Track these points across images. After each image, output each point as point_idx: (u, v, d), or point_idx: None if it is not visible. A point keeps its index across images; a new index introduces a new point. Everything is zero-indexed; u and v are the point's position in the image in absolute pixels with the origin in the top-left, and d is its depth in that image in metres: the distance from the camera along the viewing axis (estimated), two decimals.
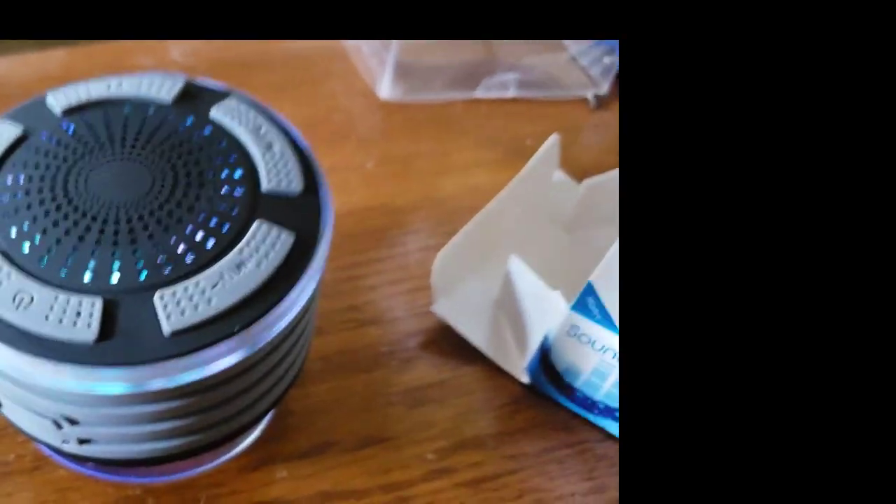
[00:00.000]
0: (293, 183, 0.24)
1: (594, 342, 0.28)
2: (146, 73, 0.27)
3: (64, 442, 0.24)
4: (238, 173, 0.24)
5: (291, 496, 0.27)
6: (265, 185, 0.24)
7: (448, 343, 0.32)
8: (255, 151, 0.25)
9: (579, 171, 0.38)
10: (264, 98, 0.42)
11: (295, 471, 0.28)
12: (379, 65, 0.43)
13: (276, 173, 0.24)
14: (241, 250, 0.22)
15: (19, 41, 0.45)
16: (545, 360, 0.29)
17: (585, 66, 0.45)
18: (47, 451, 0.27)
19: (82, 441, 0.23)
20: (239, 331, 0.21)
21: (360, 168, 0.39)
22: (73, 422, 0.23)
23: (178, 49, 0.44)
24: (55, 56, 0.43)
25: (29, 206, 0.23)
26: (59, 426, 0.23)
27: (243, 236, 0.22)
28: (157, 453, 0.24)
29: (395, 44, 0.41)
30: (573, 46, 0.46)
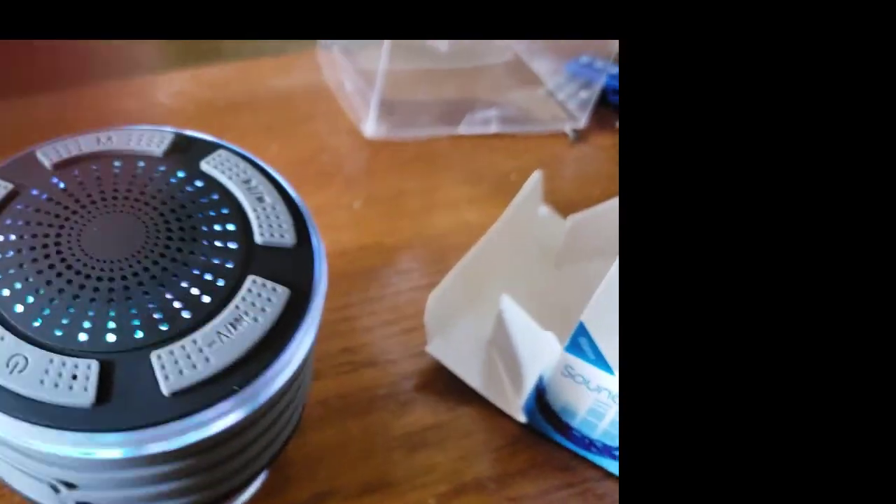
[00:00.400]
0: (286, 235, 0.24)
1: (589, 382, 0.28)
2: (135, 127, 0.27)
3: None
4: (231, 226, 0.24)
5: None
6: (258, 238, 0.24)
7: (444, 383, 0.32)
8: (246, 204, 0.25)
9: (563, 204, 0.39)
10: (252, 139, 0.43)
11: None
12: (363, 103, 0.43)
13: (269, 226, 0.24)
14: (236, 306, 0.22)
15: (3, 90, 0.45)
16: (541, 400, 0.29)
17: (562, 100, 0.46)
18: None
19: None
20: (239, 390, 0.21)
21: (348, 207, 0.39)
22: (70, 486, 0.22)
23: (163, 91, 0.44)
24: (42, 101, 0.43)
25: (21, 265, 0.23)
26: (56, 490, 0.22)
27: (238, 291, 0.22)
28: None
29: (378, 81, 0.41)
30: (549, 81, 0.47)
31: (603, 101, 0.45)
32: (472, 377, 0.31)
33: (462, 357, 0.32)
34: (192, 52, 0.49)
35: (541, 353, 0.29)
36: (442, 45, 0.45)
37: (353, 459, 0.30)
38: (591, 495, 0.29)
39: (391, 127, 0.43)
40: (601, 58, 0.45)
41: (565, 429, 0.30)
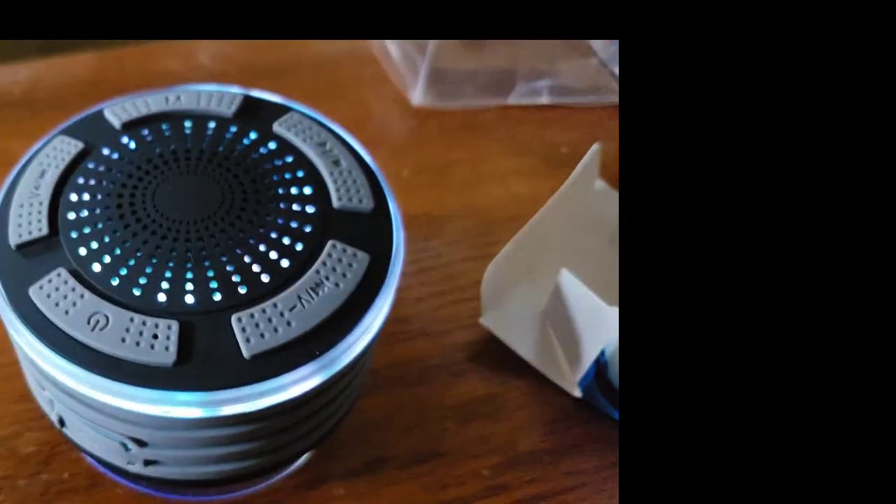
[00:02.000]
0: (364, 200, 0.24)
1: None
2: (203, 86, 0.27)
3: (129, 463, 0.23)
4: (308, 190, 0.24)
5: None
6: (336, 202, 0.24)
7: (496, 356, 0.32)
8: (322, 168, 0.24)
9: (616, 179, 0.38)
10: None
11: (352, 488, 0.28)
12: (410, 71, 0.43)
13: (346, 190, 0.24)
14: (317, 271, 0.22)
15: (45, 46, 0.44)
16: (601, 376, 0.29)
17: (616, 71, 0.45)
18: (102, 470, 0.27)
19: (148, 462, 0.23)
20: (320, 355, 0.21)
21: (397, 176, 0.39)
22: (141, 444, 0.22)
23: (206, 53, 0.44)
24: (83, 60, 0.42)
25: (96, 224, 0.22)
26: (126, 448, 0.22)
27: (318, 256, 0.22)
28: (223, 475, 0.24)
29: (429, 50, 0.41)
30: (602, 52, 0.46)
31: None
32: (526, 350, 0.31)
33: (516, 329, 0.32)
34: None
35: (601, 327, 0.29)
36: None
37: (405, 428, 0.30)
38: None
39: (439, 96, 0.42)
40: None
41: None
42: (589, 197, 0.36)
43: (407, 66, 0.43)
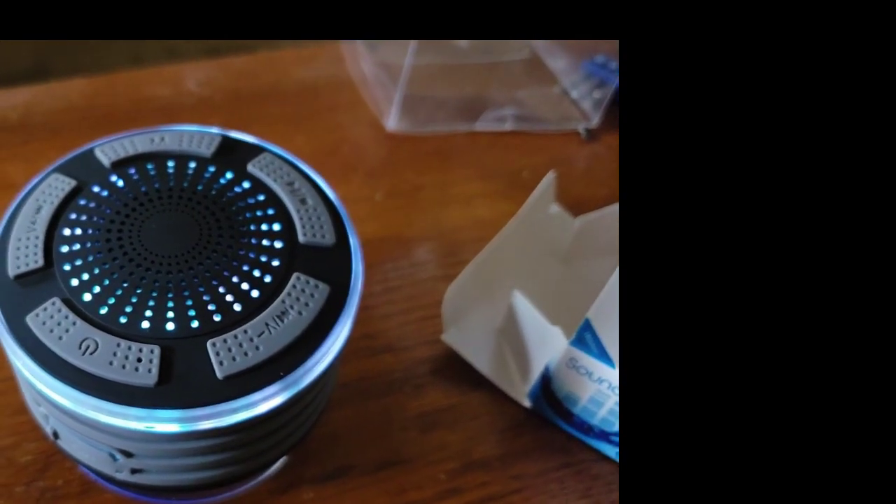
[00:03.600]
0: (326, 235, 0.27)
1: (591, 374, 0.31)
2: (185, 127, 0.29)
3: (117, 472, 0.26)
4: (277, 226, 0.26)
5: None
6: (301, 237, 0.26)
7: (456, 369, 0.35)
8: (290, 205, 0.27)
9: (573, 202, 0.41)
10: (279, 130, 0.45)
11: (320, 492, 0.30)
12: (385, 97, 0.45)
13: (311, 227, 0.27)
14: (283, 300, 0.25)
15: (42, 72, 0.47)
16: (546, 388, 0.32)
17: (576, 99, 0.48)
18: (93, 477, 0.30)
19: (134, 471, 0.26)
20: (284, 376, 0.24)
21: (370, 199, 0.42)
22: (128, 455, 0.25)
23: (193, 79, 0.46)
24: (77, 85, 0.45)
25: (88, 258, 0.25)
26: (114, 458, 0.25)
27: (284, 287, 0.25)
28: (201, 482, 0.26)
29: (402, 77, 0.43)
30: (564, 80, 0.49)
31: (616, 101, 0.48)
32: (483, 364, 0.34)
33: (474, 345, 0.35)
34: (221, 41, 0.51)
35: (548, 345, 0.32)
36: (462, 41, 0.47)
37: (371, 437, 0.33)
38: (587, 475, 0.32)
39: (412, 122, 0.45)
40: (616, 58, 0.48)
41: (567, 415, 0.32)
42: (544, 221, 0.39)
43: (382, 92, 0.46)
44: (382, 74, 0.46)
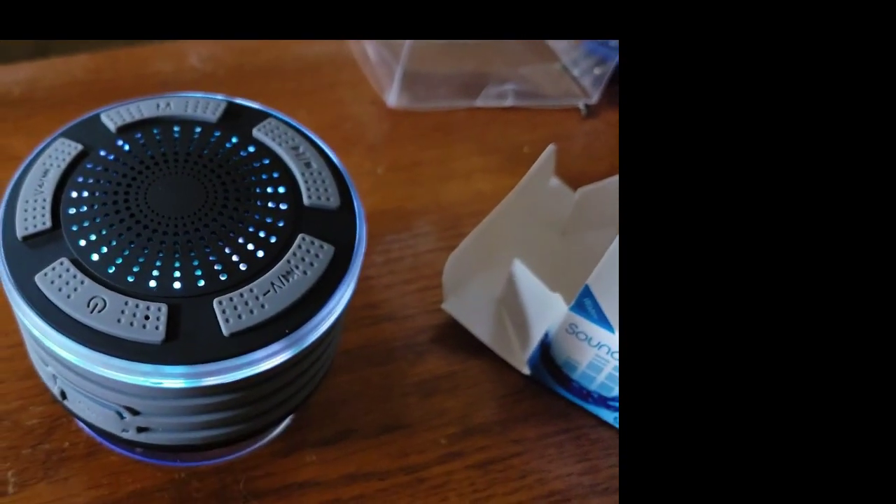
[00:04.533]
0: (331, 198, 0.27)
1: (590, 339, 0.31)
2: (190, 94, 0.29)
3: (123, 430, 0.26)
4: (281, 189, 0.27)
5: (321, 478, 0.30)
6: (306, 200, 0.27)
7: (456, 338, 0.35)
8: (295, 169, 0.27)
9: (572, 177, 0.41)
10: (281, 105, 0.45)
11: (322, 455, 0.31)
12: (386, 74, 0.46)
13: (316, 189, 0.27)
14: (288, 260, 0.25)
15: (43, 47, 0.47)
16: (546, 354, 0.33)
17: (577, 76, 0.49)
18: (99, 439, 0.30)
19: (140, 429, 0.26)
20: (289, 333, 0.24)
21: (372, 173, 0.42)
22: (134, 412, 0.25)
23: (196, 56, 0.47)
24: (79, 61, 0.45)
25: (95, 219, 0.26)
26: (121, 416, 0.26)
27: (289, 247, 0.25)
28: (207, 440, 0.27)
29: (403, 54, 0.44)
30: (565, 56, 0.49)
31: (616, 77, 0.48)
32: (483, 332, 0.35)
33: (474, 314, 0.35)
34: None
35: (548, 312, 0.32)
36: None
37: (373, 403, 0.33)
38: (586, 440, 0.33)
39: (413, 98, 0.45)
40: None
41: (566, 381, 0.33)
42: (544, 193, 0.39)
43: (383, 69, 0.46)
44: (384, 51, 0.47)
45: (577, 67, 0.48)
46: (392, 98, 0.45)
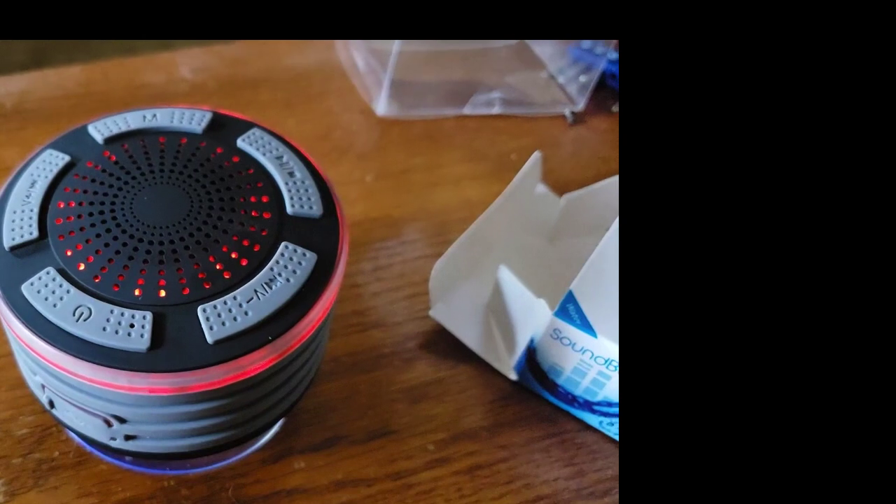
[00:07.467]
0: (314, 207, 0.27)
1: (574, 344, 0.31)
2: (177, 107, 0.30)
3: (112, 439, 0.27)
4: (265, 198, 0.27)
5: (309, 485, 0.31)
6: (289, 209, 0.27)
7: (444, 344, 0.36)
8: (279, 178, 0.28)
9: (558, 183, 0.42)
10: (271, 115, 0.46)
11: (311, 462, 0.31)
12: (375, 83, 0.46)
13: (299, 198, 0.27)
14: (271, 268, 0.25)
15: (36, 58, 0.48)
16: (531, 360, 0.33)
17: (563, 84, 0.49)
18: (88, 448, 0.30)
19: (128, 437, 0.26)
20: (273, 340, 0.24)
21: (360, 181, 0.42)
22: (121, 420, 0.26)
23: (186, 67, 0.47)
24: (71, 73, 0.46)
25: (81, 229, 0.26)
26: (109, 424, 0.26)
27: (273, 255, 0.26)
28: (194, 448, 0.27)
29: (391, 63, 0.44)
30: (551, 65, 0.50)
31: (601, 84, 0.48)
32: (470, 339, 0.35)
33: (461, 321, 0.35)
34: None
35: (533, 317, 0.32)
36: None
37: (361, 409, 0.33)
38: (571, 444, 0.33)
39: (401, 106, 0.46)
40: (602, 43, 0.48)
41: (551, 386, 0.33)
42: (530, 200, 0.39)
43: (371, 78, 0.47)
44: (372, 60, 0.47)
45: (563, 75, 0.49)
46: (381, 107, 0.46)
